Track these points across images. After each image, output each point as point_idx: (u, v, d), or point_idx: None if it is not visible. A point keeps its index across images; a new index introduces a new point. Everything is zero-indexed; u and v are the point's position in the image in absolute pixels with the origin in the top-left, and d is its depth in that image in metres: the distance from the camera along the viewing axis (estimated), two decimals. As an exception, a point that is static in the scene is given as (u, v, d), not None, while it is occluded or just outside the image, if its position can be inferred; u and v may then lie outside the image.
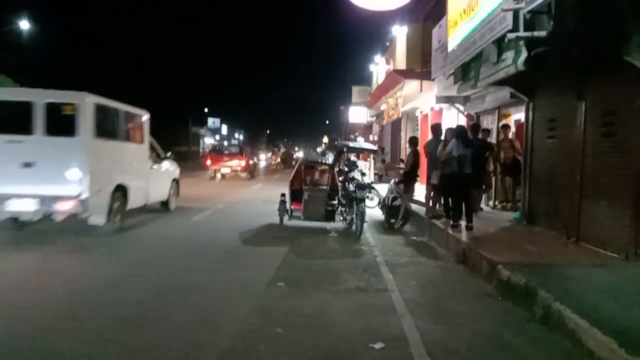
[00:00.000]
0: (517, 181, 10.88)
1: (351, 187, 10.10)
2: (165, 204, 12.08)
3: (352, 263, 7.41)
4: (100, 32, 57.63)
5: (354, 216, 9.74)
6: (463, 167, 8.70)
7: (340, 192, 10.43)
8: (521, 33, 6.22)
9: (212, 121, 72.10)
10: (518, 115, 11.94)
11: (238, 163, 25.61)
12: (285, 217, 10.41)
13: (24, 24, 25.48)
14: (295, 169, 10.77)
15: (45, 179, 7.96)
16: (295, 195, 10.23)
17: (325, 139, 71.64)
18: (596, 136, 7.33)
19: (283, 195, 10.54)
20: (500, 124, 11.99)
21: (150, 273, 6.52)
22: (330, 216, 10.05)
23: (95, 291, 5.62)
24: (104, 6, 66.80)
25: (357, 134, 40.72)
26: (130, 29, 71.09)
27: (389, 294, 5.79)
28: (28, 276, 6.29)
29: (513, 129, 12.13)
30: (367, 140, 35.09)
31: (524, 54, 6.48)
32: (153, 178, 11.05)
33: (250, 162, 28.12)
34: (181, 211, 12.35)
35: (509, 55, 6.99)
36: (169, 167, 12.45)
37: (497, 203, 11.93)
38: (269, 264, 7.06)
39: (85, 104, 8.23)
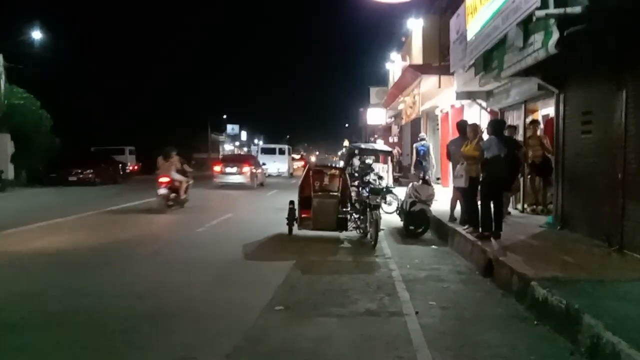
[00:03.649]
0: (548, 182, 9.93)
1: (364, 192, 9.28)
2: (291, 175, 34.78)
3: (363, 279, 6.56)
4: (115, 40, 57.91)
5: (367, 224, 8.92)
6: (501, 169, 7.69)
7: (352, 198, 9.62)
8: (552, 10, 5.33)
9: (231, 127, 71.93)
10: (546, 110, 10.98)
11: (302, 163, 41.79)
12: (295, 227, 9.62)
13: (36, 34, 25.30)
14: (304, 174, 9.98)
15: (279, 166, 34.66)
16: (305, 203, 9.42)
17: (347, 143, 71.03)
18: (640, 129, 6.38)
19: (292, 202, 9.75)
20: (528, 120, 11.04)
21: (133, 293, 5.75)
22: (341, 225, 9.21)
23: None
24: (119, 17, 67.20)
25: (376, 136, 39.75)
26: (145, 35, 71.37)
27: (404, 320, 4.94)
28: None
29: (542, 125, 11.16)
30: (386, 142, 34.17)
31: (555, 35, 5.58)
32: (291, 165, 38.35)
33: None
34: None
35: (537, 38, 6.09)
36: (289, 161, 37.44)
37: (526, 206, 10.95)
38: (270, 282, 6.28)
39: (286, 147, 37.31)
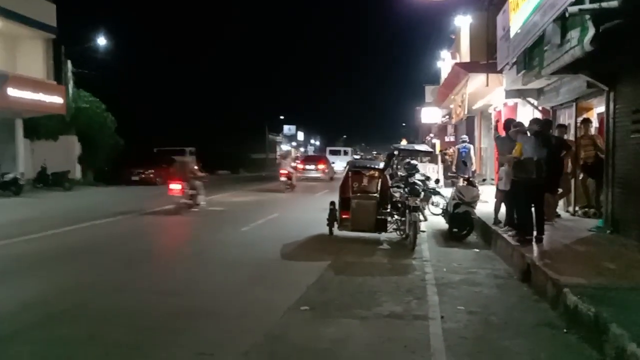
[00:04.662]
0: (601, 183, 9.45)
1: (404, 193, 9.18)
2: None
3: (395, 282, 6.53)
4: (173, 44, 60.27)
5: (407, 226, 8.83)
6: (532, 171, 7.40)
7: (393, 199, 9.54)
8: (586, 5, 5.09)
9: (287, 128, 72.87)
10: (601, 108, 10.44)
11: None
12: (336, 228, 9.66)
13: (101, 40, 26.65)
14: (344, 175, 10.00)
15: (344, 164, 25.38)
16: (345, 204, 9.45)
17: (404, 142, 70.47)
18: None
19: (332, 203, 9.80)
20: (580, 118, 10.54)
21: (168, 290, 6.02)
22: (380, 226, 9.17)
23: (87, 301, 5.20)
24: (176, 23, 69.70)
25: (431, 135, 39.09)
26: (203, 40, 73.66)
27: (427, 324, 4.90)
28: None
29: (596, 123, 10.64)
30: (442, 141, 33.55)
31: (590, 31, 5.32)
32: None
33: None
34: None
35: (574, 34, 5.83)
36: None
37: (577, 209, 10.47)
38: (302, 282, 6.37)
39: (349, 149, 52.01)
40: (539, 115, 12.51)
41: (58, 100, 22.23)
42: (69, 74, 24.47)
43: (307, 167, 30.15)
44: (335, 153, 45.14)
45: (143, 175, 26.77)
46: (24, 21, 20.21)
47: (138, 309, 5.35)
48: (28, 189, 20.10)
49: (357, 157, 57.05)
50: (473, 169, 14.42)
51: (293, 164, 23.07)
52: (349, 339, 4.47)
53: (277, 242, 9.09)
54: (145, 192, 20.90)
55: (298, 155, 48.10)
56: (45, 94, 21.39)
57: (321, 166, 30.46)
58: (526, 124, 8.95)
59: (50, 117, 22.91)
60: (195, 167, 13.96)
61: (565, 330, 4.67)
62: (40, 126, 23.38)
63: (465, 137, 15.22)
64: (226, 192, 20.30)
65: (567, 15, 5.37)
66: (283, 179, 20.78)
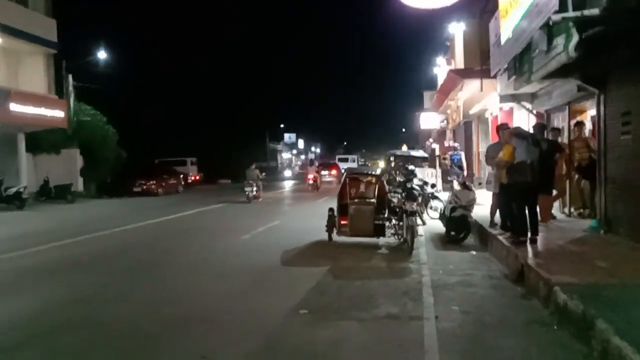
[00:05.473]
0: (595, 185, 9.60)
1: (400, 198, 9.35)
2: None
3: (393, 285, 6.68)
4: (175, 54, 60.87)
5: (404, 230, 8.99)
6: (527, 174, 7.55)
7: (390, 204, 9.70)
8: (569, 13, 5.27)
9: (288, 136, 73.29)
10: (594, 110, 10.61)
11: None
12: (335, 233, 9.83)
13: (101, 54, 26.95)
14: (342, 181, 10.17)
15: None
16: (343, 210, 9.61)
17: (405, 148, 70.80)
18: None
19: (331, 210, 9.97)
20: (573, 121, 10.71)
21: (167, 299, 6.18)
22: (378, 231, 9.33)
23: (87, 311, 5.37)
24: (178, 33, 70.24)
25: (431, 140, 39.29)
26: (205, 50, 74.23)
27: (422, 324, 5.04)
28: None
29: (589, 125, 10.80)
30: (441, 146, 33.71)
31: (575, 38, 5.51)
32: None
33: None
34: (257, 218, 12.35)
35: (559, 41, 6.02)
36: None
37: (573, 210, 10.62)
38: (301, 287, 6.53)
39: (355, 156, 62.53)
40: (534, 119, 12.72)
41: (59, 114, 22.51)
42: (70, 87, 24.74)
43: (323, 172, 35.87)
44: (343, 160, 54.64)
45: (145, 187, 27.01)
46: (25, 37, 20.52)
47: (142, 316, 5.52)
48: (31, 203, 20.30)
49: (362, 163, 63.29)
50: (463, 174, 14.76)
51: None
52: (346, 341, 4.62)
53: (277, 248, 9.25)
54: (146, 203, 21.09)
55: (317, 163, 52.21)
56: (47, 109, 21.67)
57: (334, 171, 38.16)
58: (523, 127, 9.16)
59: (52, 131, 23.17)
60: (259, 173, 21.66)
61: (555, 327, 4.81)
62: (43, 140, 23.64)
63: (457, 144, 15.72)
64: (270, 192, 27.00)
65: (550, 22, 5.56)
66: (310, 182, 27.57)
